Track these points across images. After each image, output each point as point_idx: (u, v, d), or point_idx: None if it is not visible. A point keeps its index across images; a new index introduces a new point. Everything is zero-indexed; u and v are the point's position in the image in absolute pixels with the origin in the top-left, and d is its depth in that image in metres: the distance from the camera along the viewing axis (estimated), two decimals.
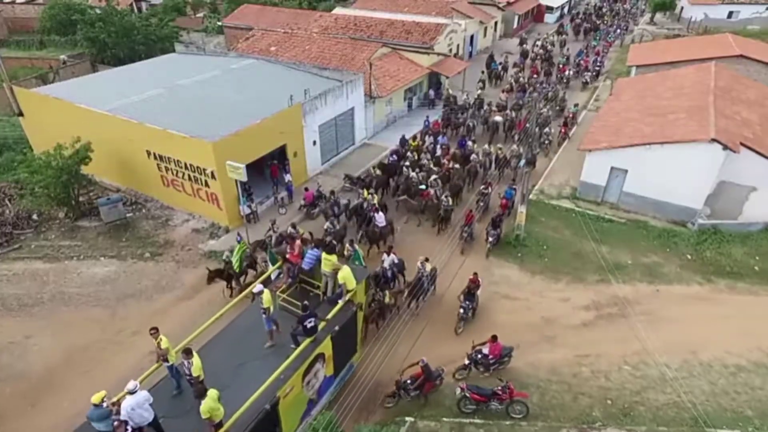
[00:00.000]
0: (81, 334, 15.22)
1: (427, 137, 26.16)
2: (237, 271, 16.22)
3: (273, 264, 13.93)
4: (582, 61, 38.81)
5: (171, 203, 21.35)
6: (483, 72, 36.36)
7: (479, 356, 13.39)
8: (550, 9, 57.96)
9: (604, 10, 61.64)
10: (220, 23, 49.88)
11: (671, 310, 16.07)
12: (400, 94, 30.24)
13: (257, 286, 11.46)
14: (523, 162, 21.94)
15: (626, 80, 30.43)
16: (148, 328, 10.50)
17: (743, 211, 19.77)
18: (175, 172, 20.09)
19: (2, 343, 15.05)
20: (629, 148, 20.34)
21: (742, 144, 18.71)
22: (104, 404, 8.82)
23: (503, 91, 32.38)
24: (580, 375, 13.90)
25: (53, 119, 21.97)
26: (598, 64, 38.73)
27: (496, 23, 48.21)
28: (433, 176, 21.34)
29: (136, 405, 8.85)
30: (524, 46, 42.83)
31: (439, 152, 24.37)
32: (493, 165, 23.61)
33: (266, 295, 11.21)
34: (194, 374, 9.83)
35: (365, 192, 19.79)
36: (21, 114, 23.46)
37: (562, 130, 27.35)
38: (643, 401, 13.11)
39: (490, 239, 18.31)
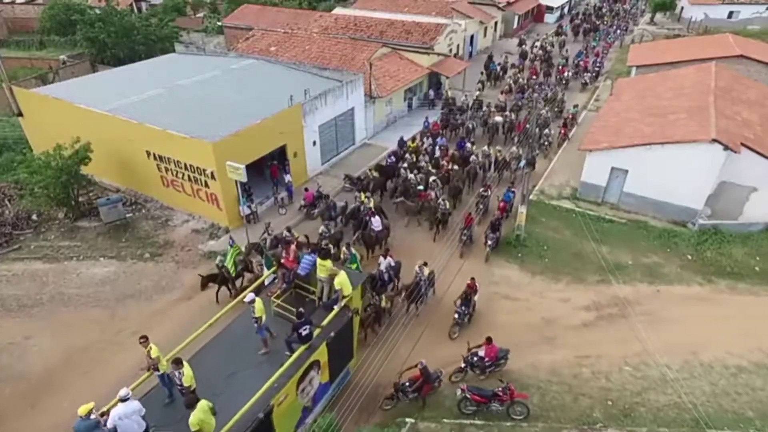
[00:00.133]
0: (80, 335, 15.20)
1: (425, 139, 26.04)
2: (233, 275, 16.02)
3: (269, 268, 13.73)
4: (581, 62, 38.74)
5: (171, 203, 21.33)
6: (482, 73, 36.30)
7: (475, 359, 13.34)
8: (550, 9, 57.96)
9: (603, 10, 61.57)
10: (220, 23, 49.87)
11: (672, 311, 16.04)
12: (400, 95, 30.23)
13: (249, 296, 11.22)
14: (523, 162, 21.91)
15: (626, 80, 30.41)
16: (138, 337, 10.31)
17: (744, 212, 19.75)
18: (174, 173, 20.06)
19: (2, 343, 15.02)
20: (630, 148, 20.32)
21: (742, 144, 18.70)
22: (92, 416, 8.67)
23: (502, 92, 32.32)
24: (581, 376, 13.87)
25: (53, 119, 21.95)
26: (598, 64, 38.68)
27: (496, 23, 48.20)
28: (432, 178, 21.21)
29: (125, 415, 8.70)
30: (523, 46, 42.79)
31: (437, 154, 24.28)
32: (493, 167, 23.51)
33: (258, 304, 11.00)
34: (185, 384, 9.63)
35: (362, 195, 19.63)
36: (20, 114, 23.43)
37: (562, 131, 27.31)
38: (644, 402, 13.08)
39: (489, 243, 18.18)
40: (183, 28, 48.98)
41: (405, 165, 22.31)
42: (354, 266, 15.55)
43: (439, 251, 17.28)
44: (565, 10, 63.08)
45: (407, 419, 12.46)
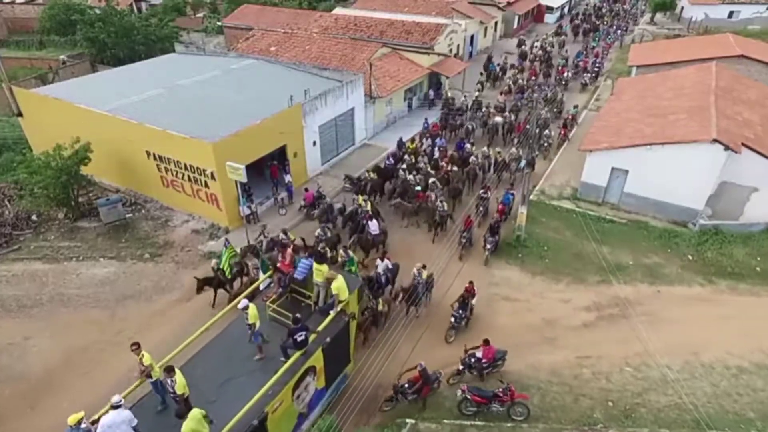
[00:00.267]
0: (80, 336, 15.17)
1: (425, 140, 25.87)
2: (228, 277, 15.81)
3: (264, 272, 13.53)
4: (581, 63, 38.69)
5: (171, 204, 21.30)
6: (482, 74, 36.22)
7: (473, 360, 13.30)
8: (550, 9, 57.91)
9: (603, 10, 61.50)
10: (220, 23, 49.84)
11: (672, 311, 16.02)
12: (400, 95, 30.20)
13: (242, 302, 11.05)
14: (523, 163, 21.87)
15: (627, 80, 30.38)
16: (131, 343, 10.08)
17: (744, 212, 19.73)
18: (174, 173, 20.04)
19: (1, 344, 14.99)
20: (630, 148, 20.30)
21: (743, 144, 18.67)
22: (82, 425, 8.57)
23: (501, 93, 32.17)
24: (581, 376, 13.85)
25: (53, 119, 21.92)
26: (597, 65, 38.57)
27: (496, 23, 48.16)
28: (432, 179, 21.04)
29: (114, 423, 8.60)
30: (523, 47, 42.72)
31: (437, 155, 24.15)
32: (492, 168, 23.40)
33: (251, 310, 10.84)
34: (178, 392, 9.46)
35: (359, 198, 19.46)
36: (20, 114, 23.41)
37: (562, 132, 27.25)
38: (645, 403, 13.06)
39: (488, 246, 18.04)
40: (183, 28, 48.94)
41: (404, 166, 22.18)
42: (353, 269, 15.48)
43: (438, 254, 17.21)
44: (565, 10, 63.03)
45: (407, 420, 12.44)
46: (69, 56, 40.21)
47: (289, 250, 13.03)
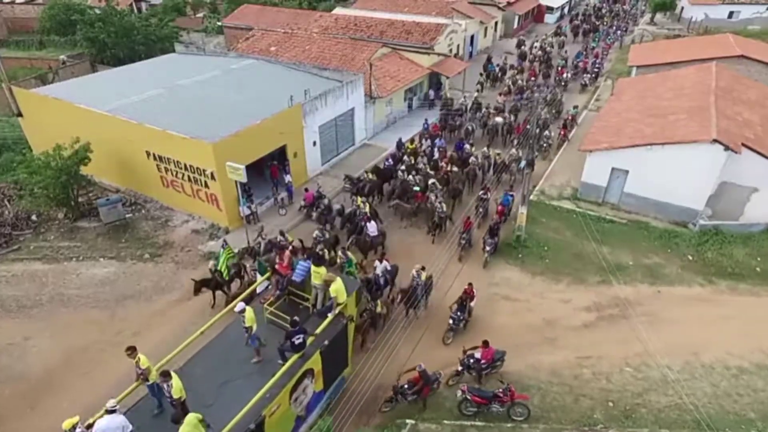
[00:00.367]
0: (80, 336, 15.16)
1: (424, 140, 25.76)
2: (226, 279, 15.74)
3: (262, 274, 13.44)
4: (581, 63, 38.65)
5: (170, 204, 21.29)
6: (481, 74, 36.15)
7: (471, 361, 13.27)
8: (550, 9, 57.89)
9: (603, 11, 61.45)
10: (220, 23, 49.84)
11: (673, 312, 16.01)
12: (401, 95, 30.19)
13: (239, 305, 11.00)
14: (524, 163, 21.84)
15: (627, 80, 30.38)
16: (125, 348, 9.97)
17: (744, 212, 19.73)
18: (174, 173, 20.03)
19: (1, 344, 14.98)
20: (630, 148, 20.29)
21: (743, 145, 18.66)
22: (77, 430, 8.55)
23: (500, 94, 32.03)
24: (582, 377, 13.84)
25: (52, 120, 21.91)
26: (597, 66, 38.52)
27: (496, 23, 48.16)
28: (432, 180, 20.88)
29: (108, 428, 8.57)
30: (522, 47, 42.67)
31: (436, 155, 24.05)
32: (492, 169, 23.27)
33: (248, 313, 10.80)
34: (175, 396, 9.38)
35: (358, 199, 19.35)
36: (20, 114, 23.40)
37: (562, 133, 27.22)
38: (645, 403, 13.05)
39: (488, 248, 17.93)
40: (183, 28, 48.94)
41: (403, 167, 21.99)
42: (352, 270, 15.39)
43: (437, 255, 17.11)
44: (566, 10, 63.01)
45: (407, 420, 12.44)
46: (69, 56, 40.20)
47: (287, 253, 12.93)
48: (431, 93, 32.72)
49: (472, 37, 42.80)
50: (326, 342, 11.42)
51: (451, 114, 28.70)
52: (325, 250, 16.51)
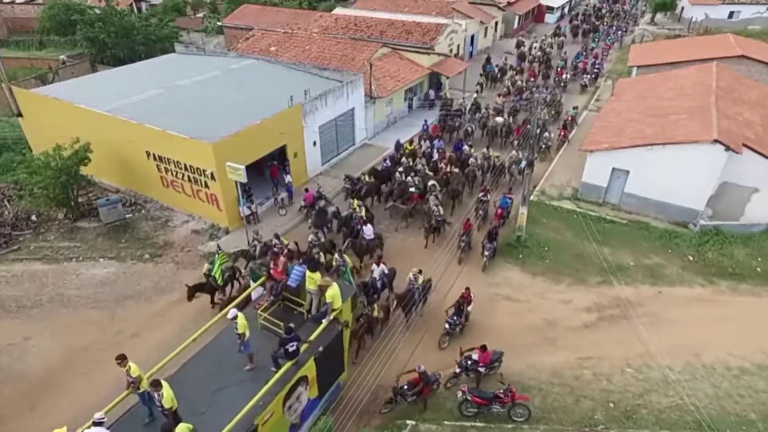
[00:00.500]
0: (80, 336, 15.14)
1: (423, 141, 25.55)
2: (220, 283, 15.56)
3: (255, 280, 13.20)
4: (580, 64, 38.56)
5: (170, 204, 21.27)
6: (481, 75, 36.07)
7: (469, 362, 13.20)
8: (550, 9, 57.87)
9: (603, 11, 61.39)
10: (220, 23, 49.82)
11: (673, 312, 15.98)
12: (401, 95, 30.17)
13: (231, 312, 10.77)
14: (524, 163, 21.79)
15: (627, 80, 30.36)
16: (115, 357, 9.74)
17: (745, 213, 19.70)
18: (174, 173, 20.01)
19: (1, 344, 14.96)
20: (631, 148, 20.27)
21: (744, 145, 18.64)
22: None
23: (499, 95, 31.92)
24: (582, 377, 13.81)
25: (52, 120, 21.89)
26: (597, 66, 38.39)
27: (496, 23, 48.14)
28: (431, 182, 20.64)
29: None
30: (521, 48, 42.59)
31: (436, 156, 23.86)
32: (491, 171, 22.99)
33: (241, 320, 10.60)
34: (166, 406, 9.23)
35: (354, 202, 19.12)
36: (20, 114, 23.39)
37: (562, 133, 27.17)
38: (646, 404, 13.03)
39: (486, 253, 17.77)
40: (183, 28, 48.92)
41: (401, 169, 21.69)
42: (347, 276, 15.23)
43: (437, 257, 16.98)
44: (566, 10, 62.97)
45: (408, 421, 12.41)
46: (69, 56, 40.19)
47: (282, 258, 12.66)
48: (431, 93, 32.69)
49: (472, 37, 42.79)
50: (321, 349, 11.26)
51: (450, 115, 28.64)
52: (321, 254, 16.33)
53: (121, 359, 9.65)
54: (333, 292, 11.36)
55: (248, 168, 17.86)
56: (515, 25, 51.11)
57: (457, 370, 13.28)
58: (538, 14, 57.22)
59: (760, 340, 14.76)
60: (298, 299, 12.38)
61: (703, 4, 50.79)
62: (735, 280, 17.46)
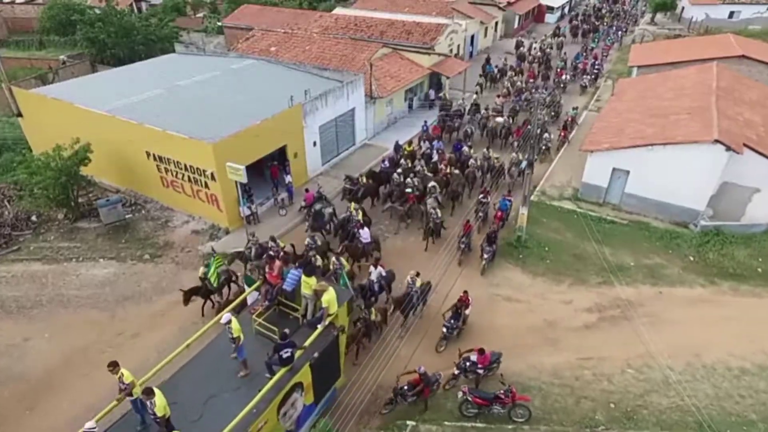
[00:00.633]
0: (80, 336, 15.12)
1: (423, 143, 25.39)
2: (215, 287, 15.40)
3: (249, 285, 13.06)
4: (580, 65, 38.48)
5: (171, 204, 21.25)
6: (480, 75, 35.96)
7: (468, 364, 13.16)
8: (550, 9, 57.85)
9: (603, 11, 61.33)
10: (220, 23, 49.81)
11: (674, 313, 15.97)
12: (401, 95, 30.15)
13: (225, 316, 10.60)
14: (524, 163, 21.75)
15: (628, 81, 30.35)
16: (107, 364, 9.63)
17: (746, 213, 19.68)
18: (174, 173, 19.99)
19: (1, 345, 14.95)
20: (631, 149, 20.25)
21: (745, 145, 18.62)
22: None
23: (499, 96, 31.80)
24: (583, 378, 13.80)
25: (52, 120, 21.88)
26: (597, 67, 38.28)
27: (496, 23, 48.13)
28: (431, 183, 20.47)
29: None
30: (521, 48, 42.52)
31: (435, 157, 23.70)
32: (489, 173, 22.81)
33: (234, 324, 10.44)
34: (158, 414, 9.10)
35: (351, 205, 18.92)
36: (20, 114, 23.38)
37: (562, 134, 27.11)
38: (647, 405, 13.02)
39: (486, 256, 17.65)
40: (183, 28, 48.90)
41: (399, 170, 21.47)
42: (343, 281, 15.09)
43: (436, 259, 16.88)
44: (566, 10, 62.95)
45: (408, 422, 12.40)
46: (69, 56, 40.15)
47: (278, 262, 12.51)
48: (431, 93, 32.66)
49: (472, 37, 42.77)
50: (316, 354, 11.09)
51: (450, 116, 28.57)
52: (318, 257, 16.21)
53: (113, 366, 9.55)
54: (329, 296, 11.19)
55: (248, 168, 17.86)
56: (515, 25, 51.10)
57: (456, 372, 13.26)
58: (538, 14, 57.20)
59: (760, 341, 14.75)
60: (294, 304, 12.22)
61: (704, 4, 50.78)
62: (736, 280, 17.44)
